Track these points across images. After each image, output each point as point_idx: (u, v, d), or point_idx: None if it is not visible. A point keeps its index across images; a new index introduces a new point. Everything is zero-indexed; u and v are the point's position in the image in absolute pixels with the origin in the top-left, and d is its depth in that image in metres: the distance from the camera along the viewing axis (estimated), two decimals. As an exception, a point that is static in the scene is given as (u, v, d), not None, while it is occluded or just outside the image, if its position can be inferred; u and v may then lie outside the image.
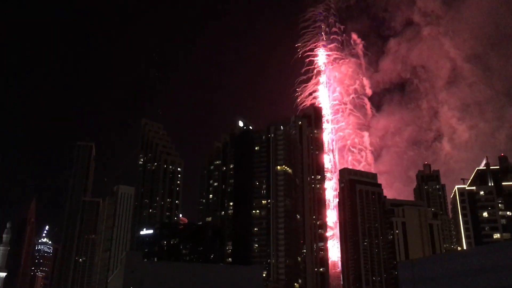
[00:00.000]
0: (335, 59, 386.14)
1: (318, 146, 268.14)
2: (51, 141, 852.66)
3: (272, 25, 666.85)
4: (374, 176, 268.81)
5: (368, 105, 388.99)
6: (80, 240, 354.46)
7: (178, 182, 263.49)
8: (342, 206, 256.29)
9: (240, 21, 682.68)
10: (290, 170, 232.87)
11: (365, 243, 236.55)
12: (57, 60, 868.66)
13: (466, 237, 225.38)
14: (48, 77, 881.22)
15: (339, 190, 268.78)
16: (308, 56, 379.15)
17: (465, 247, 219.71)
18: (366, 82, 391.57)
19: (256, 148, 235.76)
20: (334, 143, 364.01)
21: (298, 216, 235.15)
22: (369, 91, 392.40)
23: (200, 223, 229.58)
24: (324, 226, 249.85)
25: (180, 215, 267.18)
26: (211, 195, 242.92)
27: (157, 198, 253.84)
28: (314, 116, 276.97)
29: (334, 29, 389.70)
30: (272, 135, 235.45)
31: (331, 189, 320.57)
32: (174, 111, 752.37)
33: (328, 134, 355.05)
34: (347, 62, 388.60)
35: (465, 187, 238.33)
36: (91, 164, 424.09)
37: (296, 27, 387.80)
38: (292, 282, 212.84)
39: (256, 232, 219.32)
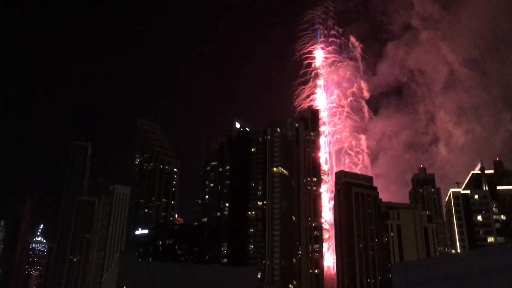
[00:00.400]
0: (333, 61, 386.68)
1: (314, 148, 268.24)
2: (47, 140, 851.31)
3: (270, 27, 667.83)
4: (370, 179, 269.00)
5: (366, 108, 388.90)
6: (75, 239, 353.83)
7: (174, 182, 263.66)
8: (337, 208, 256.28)
9: (238, 23, 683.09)
10: (286, 172, 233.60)
11: (360, 246, 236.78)
12: (54, 60, 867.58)
13: (460, 240, 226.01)
14: (45, 76, 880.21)
15: (335, 192, 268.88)
16: (306, 58, 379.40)
17: (459, 251, 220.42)
18: (363, 85, 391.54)
19: (252, 150, 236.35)
20: (331, 145, 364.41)
21: (294, 218, 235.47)
22: (366, 94, 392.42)
23: (196, 223, 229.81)
24: (319, 228, 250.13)
25: (176, 216, 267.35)
26: (207, 196, 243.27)
27: (153, 198, 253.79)
28: (311, 118, 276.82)
29: (332, 32, 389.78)
30: (269, 137, 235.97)
31: (327, 192, 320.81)
32: (172, 112, 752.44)
33: (325, 137, 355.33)
34: (345, 65, 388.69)
35: (459, 191, 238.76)
36: (87, 164, 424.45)
37: (294, 29, 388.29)
38: (287, 284, 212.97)
39: (252, 233, 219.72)
